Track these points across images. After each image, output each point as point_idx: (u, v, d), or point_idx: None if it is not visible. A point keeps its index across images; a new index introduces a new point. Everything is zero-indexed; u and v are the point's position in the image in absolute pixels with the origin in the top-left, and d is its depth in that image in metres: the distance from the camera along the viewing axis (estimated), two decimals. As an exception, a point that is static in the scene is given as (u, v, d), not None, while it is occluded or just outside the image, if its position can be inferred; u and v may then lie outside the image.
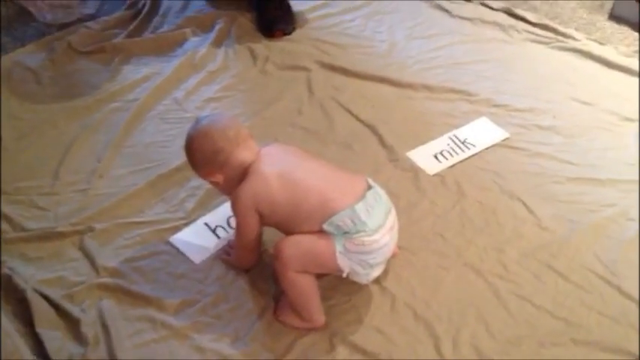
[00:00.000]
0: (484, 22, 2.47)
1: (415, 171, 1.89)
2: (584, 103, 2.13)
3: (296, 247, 1.42)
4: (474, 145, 1.97)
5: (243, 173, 1.49)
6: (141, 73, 2.26)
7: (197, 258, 1.67)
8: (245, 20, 2.48)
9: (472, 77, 2.24)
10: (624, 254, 1.67)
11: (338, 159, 1.91)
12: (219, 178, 1.52)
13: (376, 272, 1.50)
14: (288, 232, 1.46)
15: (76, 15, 2.43)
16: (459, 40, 2.41)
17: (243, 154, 1.50)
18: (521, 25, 2.46)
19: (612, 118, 2.07)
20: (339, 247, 1.41)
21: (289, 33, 2.42)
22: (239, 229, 1.54)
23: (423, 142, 1.97)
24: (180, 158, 1.80)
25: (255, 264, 1.62)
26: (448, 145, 1.97)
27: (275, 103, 2.14)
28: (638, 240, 1.69)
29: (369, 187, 1.47)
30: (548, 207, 1.79)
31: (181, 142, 1.94)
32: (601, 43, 2.37)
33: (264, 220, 1.50)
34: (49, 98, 2.17)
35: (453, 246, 1.69)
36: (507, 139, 2.00)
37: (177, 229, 1.74)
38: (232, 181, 1.50)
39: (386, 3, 2.58)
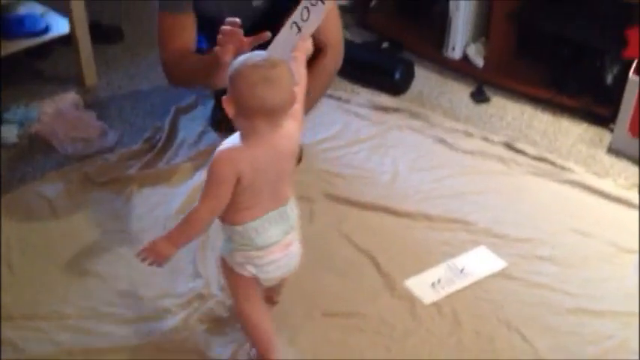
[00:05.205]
0: (485, 155, 2.51)
1: (412, 300, 1.89)
2: (584, 234, 2.14)
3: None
4: (471, 274, 1.98)
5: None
6: (151, 204, 2.34)
7: None
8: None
9: (472, 207, 2.28)
10: (625, 388, 1.63)
11: (333, 288, 1.94)
12: (230, 110, 1.44)
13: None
14: None
15: (96, 148, 2.56)
16: (460, 172, 2.46)
17: (259, 125, 1.43)
18: (521, 158, 2.49)
19: (612, 249, 2.08)
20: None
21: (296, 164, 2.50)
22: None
23: (420, 271, 1.99)
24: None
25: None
26: (446, 273, 1.98)
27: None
28: (639, 373, 1.66)
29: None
30: (546, 338, 1.77)
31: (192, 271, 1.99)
32: (600, 176, 2.41)
33: None
34: (61, 232, 2.23)
35: (448, 377, 1.67)
36: (505, 268, 2.01)
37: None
38: (235, 121, 1.46)
39: (391, 137, 2.66)
